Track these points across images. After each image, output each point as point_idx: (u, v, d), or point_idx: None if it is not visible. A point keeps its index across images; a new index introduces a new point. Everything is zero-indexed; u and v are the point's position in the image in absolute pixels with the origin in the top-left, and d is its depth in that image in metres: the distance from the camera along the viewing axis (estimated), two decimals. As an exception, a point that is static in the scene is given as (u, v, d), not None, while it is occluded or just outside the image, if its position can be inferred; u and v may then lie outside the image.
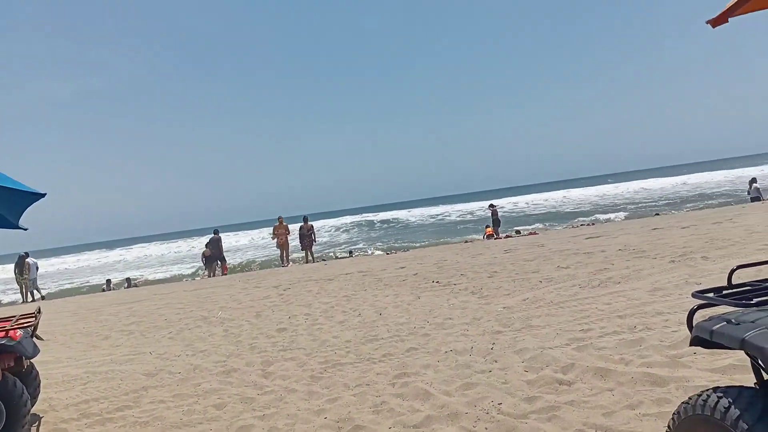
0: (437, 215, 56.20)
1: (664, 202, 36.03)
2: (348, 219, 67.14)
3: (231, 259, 35.93)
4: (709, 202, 31.61)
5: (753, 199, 19.50)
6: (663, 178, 65.15)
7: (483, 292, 7.74)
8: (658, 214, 23.11)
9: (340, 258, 21.75)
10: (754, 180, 20.78)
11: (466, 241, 20.36)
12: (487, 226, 22.93)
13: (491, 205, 22.67)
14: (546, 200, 55.74)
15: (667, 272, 7.05)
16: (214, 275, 20.51)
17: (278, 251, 20.76)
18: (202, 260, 21.29)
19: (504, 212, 38.14)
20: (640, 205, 36.39)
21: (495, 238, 19.78)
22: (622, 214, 28.49)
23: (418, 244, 28.03)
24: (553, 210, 44.08)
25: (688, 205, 30.68)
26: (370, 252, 26.41)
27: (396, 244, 30.24)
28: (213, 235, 20.91)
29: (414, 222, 53.66)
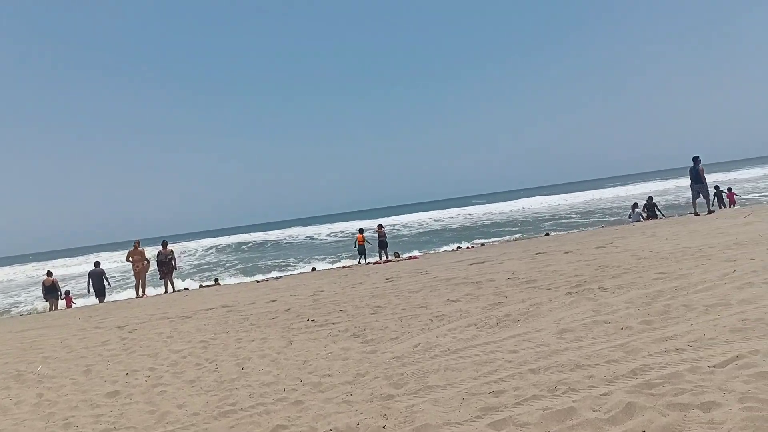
0: (311, 235, 54.96)
1: (524, 223, 37.50)
2: (216, 241, 63.75)
3: (81, 285, 32.20)
4: (564, 221, 33.20)
5: (634, 223, 20.09)
6: (531, 198, 68.82)
7: (366, 334, 6.63)
8: (548, 234, 23.40)
9: (205, 287, 19.76)
10: (636, 205, 21.63)
11: (344, 267, 19.28)
12: (360, 230, 22.28)
13: (380, 226, 21.84)
14: (420, 222, 56.40)
15: (568, 307, 6.37)
16: (55, 309, 17.77)
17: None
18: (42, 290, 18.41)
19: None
20: (505, 227, 37.55)
21: (375, 263, 18.89)
22: (496, 239, 28.91)
23: (292, 268, 26.60)
24: (426, 231, 44.49)
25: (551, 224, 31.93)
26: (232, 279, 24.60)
27: (268, 268, 28.52)
28: (94, 267, 18.39)
29: (286, 242, 52.03)
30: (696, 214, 17.47)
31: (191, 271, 34.84)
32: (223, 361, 6.32)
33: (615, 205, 45.63)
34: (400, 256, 20.95)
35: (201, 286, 20.48)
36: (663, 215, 20.75)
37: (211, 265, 37.37)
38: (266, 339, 7.21)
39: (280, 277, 19.49)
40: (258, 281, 18.48)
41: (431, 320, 6.84)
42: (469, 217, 55.25)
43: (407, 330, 6.52)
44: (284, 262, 32.38)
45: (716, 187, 21.40)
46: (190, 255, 50.01)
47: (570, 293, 7.13)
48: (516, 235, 26.09)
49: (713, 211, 17.39)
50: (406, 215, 69.01)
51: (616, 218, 32.14)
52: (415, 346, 5.71)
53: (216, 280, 22.30)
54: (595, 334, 5.15)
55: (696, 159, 17.09)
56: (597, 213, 39.48)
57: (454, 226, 46.68)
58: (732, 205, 21.15)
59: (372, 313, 7.91)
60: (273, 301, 10.83)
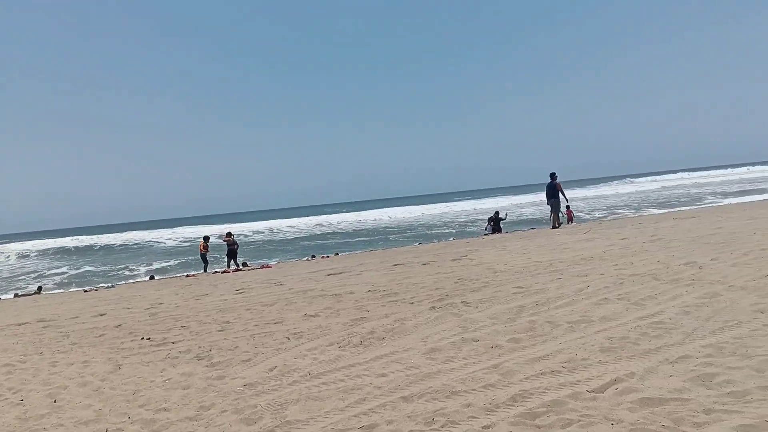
0: (150, 240, 51.18)
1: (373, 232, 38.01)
2: (36, 244, 56.94)
3: None
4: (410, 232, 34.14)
5: (485, 235, 20.74)
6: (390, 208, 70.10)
7: (213, 356, 5.82)
8: (420, 243, 23.20)
9: (21, 296, 17.22)
10: (491, 219, 22.45)
11: (188, 276, 17.85)
12: (205, 238, 20.75)
13: (228, 234, 20.59)
14: (272, 228, 54.96)
15: (434, 323, 6.07)
16: None
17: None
18: None
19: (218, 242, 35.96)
20: (356, 237, 37.72)
21: (223, 272, 17.69)
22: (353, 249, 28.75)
23: (127, 276, 24.28)
24: (279, 239, 43.38)
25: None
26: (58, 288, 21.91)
27: (98, 275, 25.79)
28: None
29: (120, 246, 47.92)
30: (554, 226, 18.65)
31: (5, 277, 30.60)
32: (31, 391, 5.18)
33: (455, 219, 47.86)
34: (249, 265, 19.89)
35: (16, 296, 17.83)
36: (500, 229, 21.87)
37: (28, 272, 33.09)
38: (89, 362, 6.10)
39: (112, 286, 17.54)
40: (85, 290, 16.43)
41: (288, 338, 6.19)
42: (322, 226, 54.88)
43: (261, 350, 5.81)
44: (118, 268, 29.50)
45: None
46: (4, 258, 44.16)
47: (434, 308, 6.87)
48: (381, 247, 25.84)
49: (557, 227, 18.61)
50: (258, 222, 66.91)
51: (457, 230, 33.58)
52: (271, 370, 5.03)
53: (39, 288, 19.57)
54: (465, 353, 4.85)
55: (552, 175, 18.33)
56: (440, 225, 41.05)
57: (308, 234, 46.03)
58: (570, 222, 22.85)
59: (220, 330, 7.07)
60: (101, 314, 9.48)
